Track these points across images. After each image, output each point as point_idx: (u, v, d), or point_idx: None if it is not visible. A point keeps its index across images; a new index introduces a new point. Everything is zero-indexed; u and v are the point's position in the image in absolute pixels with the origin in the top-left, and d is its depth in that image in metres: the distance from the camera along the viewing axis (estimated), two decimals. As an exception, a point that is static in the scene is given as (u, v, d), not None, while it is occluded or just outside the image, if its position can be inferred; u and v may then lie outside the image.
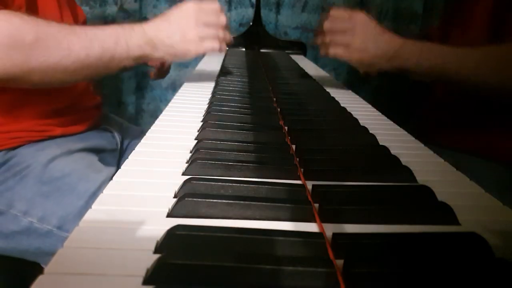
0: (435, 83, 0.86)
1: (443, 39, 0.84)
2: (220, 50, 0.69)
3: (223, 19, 0.69)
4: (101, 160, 0.72)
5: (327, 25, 0.72)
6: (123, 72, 0.63)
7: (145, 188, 0.35)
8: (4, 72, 0.52)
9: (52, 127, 0.71)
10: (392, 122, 0.60)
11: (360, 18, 0.70)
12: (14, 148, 0.67)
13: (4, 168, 0.64)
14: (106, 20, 1.60)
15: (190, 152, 0.43)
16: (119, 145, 0.84)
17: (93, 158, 0.71)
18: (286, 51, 1.48)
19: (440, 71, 0.66)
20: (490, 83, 0.64)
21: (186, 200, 0.31)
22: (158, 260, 0.24)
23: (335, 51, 0.71)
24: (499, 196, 0.35)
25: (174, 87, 1.64)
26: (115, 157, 0.82)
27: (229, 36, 0.72)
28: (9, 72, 0.53)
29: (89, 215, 0.30)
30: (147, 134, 0.49)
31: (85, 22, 0.88)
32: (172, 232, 0.26)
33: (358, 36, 0.69)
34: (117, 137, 0.84)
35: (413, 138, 0.53)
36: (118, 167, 0.37)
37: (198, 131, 0.50)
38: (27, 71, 0.54)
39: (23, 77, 0.54)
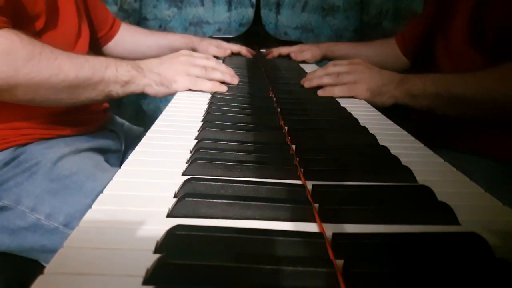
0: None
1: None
2: (212, 90, 0.72)
3: (212, 63, 0.74)
4: (106, 160, 0.73)
5: (331, 68, 0.76)
6: (110, 99, 0.66)
7: (145, 188, 0.35)
8: None
9: (62, 126, 0.72)
10: (392, 122, 0.60)
11: (360, 61, 0.75)
12: (23, 145, 0.67)
13: (13, 164, 0.65)
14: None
15: (190, 152, 0.43)
16: (123, 146, 0.85)
17: (99, 158, 0.72)
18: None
19: (447, 95, 0.66)
20: (498, 100, 0.64)
21: (186, 200, 0.31)
22: (158, 260, 0.24)
23: (341, 90, 0.73)
24: (499, 196, 0.35)
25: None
26: (118, 157, 0.83)
27: (230, 79, 0.75)
28: None
29: (89, 215, 0.30)
30: (147, 134, 0.49)
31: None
32: (172, 232, 0.26)
33: (364, 71, 0.73)
34: (121, 138, 0.85)
35: (413, 138, 0.53)
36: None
37: (198, 131, 0.50)
38: (13, 85, 0.54)
39: (7, 90, 0.55)
